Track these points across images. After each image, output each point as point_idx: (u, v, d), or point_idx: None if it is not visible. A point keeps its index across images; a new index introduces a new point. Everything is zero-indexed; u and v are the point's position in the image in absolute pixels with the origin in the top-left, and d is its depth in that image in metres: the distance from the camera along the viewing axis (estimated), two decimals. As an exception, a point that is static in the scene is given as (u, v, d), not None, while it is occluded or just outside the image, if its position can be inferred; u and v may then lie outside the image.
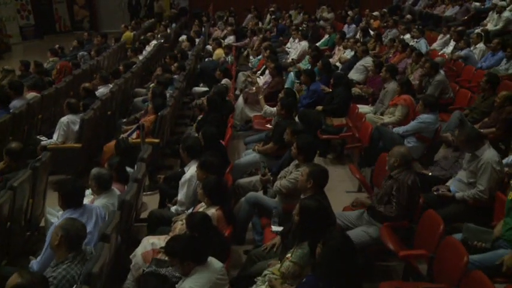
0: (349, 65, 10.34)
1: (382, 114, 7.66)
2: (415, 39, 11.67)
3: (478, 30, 12.61)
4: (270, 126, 7.90)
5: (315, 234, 3.44)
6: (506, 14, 12.65)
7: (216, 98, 7.00)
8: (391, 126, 7.13)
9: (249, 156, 6.54)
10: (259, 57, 11.57)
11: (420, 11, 17.23)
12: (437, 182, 5.19)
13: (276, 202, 5.05)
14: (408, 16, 15.55)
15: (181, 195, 4.96)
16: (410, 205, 4.38)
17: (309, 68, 10.26)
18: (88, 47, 13.79)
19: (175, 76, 9.35)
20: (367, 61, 9.81)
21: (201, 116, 8.30)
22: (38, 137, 7.29)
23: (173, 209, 5.06)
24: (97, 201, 4.58)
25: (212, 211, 4.24)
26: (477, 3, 15.51)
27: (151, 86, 10.26)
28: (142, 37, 13.50)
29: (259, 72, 10.61)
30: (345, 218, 4.74)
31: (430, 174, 5.57)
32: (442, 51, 11.58)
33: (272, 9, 19.36)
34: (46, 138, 7.24)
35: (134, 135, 6.92)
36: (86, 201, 4.59)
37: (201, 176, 4.60)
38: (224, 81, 9.16)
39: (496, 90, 7.03)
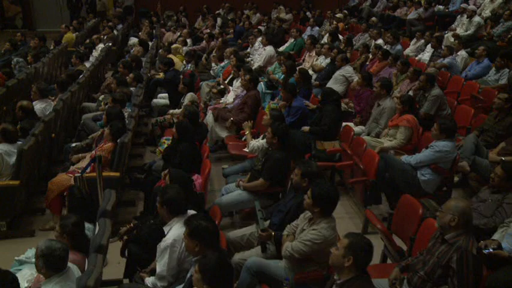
0: (326, 74, 9.31)
1: (377, 135, 6.65)
2: (390, 45, 10.77)
3: (447, 34, 11.94)
4: (247, 151, 6.76)
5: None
6: (477, 19, 12.02)
7: (187, 125, 5.76)
8: (393, 151, 6.15)
9: (233, 194, 5.35)
10: (223, 64, 10.36)
11: (381, 14, 16.44)
12: (478, 233, 4.17)
13: (285, 269, 3.89)
14: (373, 19, 14.72)
15: (161, 267, 3.71)
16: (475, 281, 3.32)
17: (280, 78, 9.17)
18: (22, 49, 12.12)
19: (132, 89, 8.01)
20: (348, 71, 8.81)
21: (164, 139, 7.07)
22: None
23: (149, 282, 3.80)
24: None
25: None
26: (440, 7, 14.91)
27: (100, 98, 8.90)
28: (87, 40, 11.94)
29: (222, 83, 9.38)
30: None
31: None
32: (417, 58, 10.78)
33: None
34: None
35: (88, 170, 5.58)
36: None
37: (192, 247, 3.38)
38: (189, 96, 7.91)
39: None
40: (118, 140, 5.85)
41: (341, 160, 6.35)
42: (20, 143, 5.77)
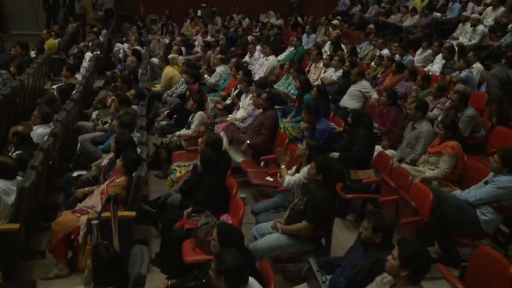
0: (338, 88, 8.71)
1: (413, 162, 6.06)
2: (399, 56, 10.23)
3: (449, 43, 11.46)
4: (271, 180, 6.11)
5: None
6: (481, 27, 11.60)
7: (212, 156, 5.07)
8: (436, 182, 5.57)
9: (270, 238, 4.68)
10: (224, 76, 9.66)
11: (375, 20, 15.93)
12: None
13: None
14: (371, 26, 14.19)
15: None
16: None
17: (290, 91, 8.53)
18: (1, 57, 11.18)
19: (134, 107, 7.26)
20: (365, 86, 8.22)
21: (175, 166, 6.35)
22: None
23: None
24: None
25: None
26: (438, 14, 14.47)
27: (94, 115, 8.13)
28: (75, 49, 11.06)
29: (230, 98, 8.70)
30: None
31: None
32: (426, 69, 10.26)
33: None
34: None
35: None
36: None
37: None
38: (199, 116, 7.19)
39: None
40: (133, 174, 5.12)
41: (378, 191, 5.74)
42: (19, 178, 5.00)
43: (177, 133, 7.29)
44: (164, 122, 8.26)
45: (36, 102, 9.31)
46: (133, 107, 7.22)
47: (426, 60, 10.85)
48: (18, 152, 5.56)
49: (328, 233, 4.73)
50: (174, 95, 9.12)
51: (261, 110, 7.31)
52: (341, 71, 9.15)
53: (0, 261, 4.77)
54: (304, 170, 5.03)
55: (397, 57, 10.22)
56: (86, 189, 5.48)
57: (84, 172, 6.05)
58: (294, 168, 5.34)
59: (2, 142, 7.94)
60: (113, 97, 8.67)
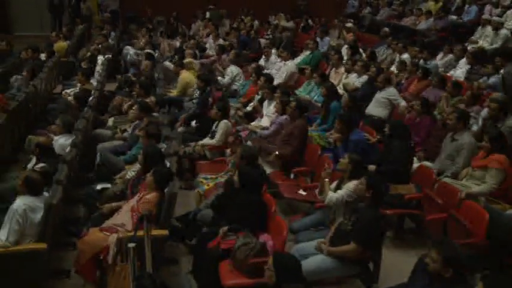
0: (362, 95, 8.40)
1: (454, 176, 5.76)
2: (424, 61, 9.94)
3: (471, 47, 11.18)
4: (304, 194, 5.81)
5: None
6: (504, 31, 11.32)
7: (250, 171, 4.77)
8: (483, 198, 5.27)
9: (314, 260, 4.37)
10: (243, 82, 9.37)
11: (388, 23, 15.64)
12: None
13: None
14: (385, 29, 13.89)
15: None
16: None
17: (317, 100, 8.23)
18: (9, 61, 10.87)
19: (155, 114, 6.96)
20: (392, 93, 7.92)
21: (202, 178, 6.05)
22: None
23: None
24: None
25: None
26: (453, 17, 14.17)
27: (111, 122, 7.82)
28: (88, 53, 10.71)
29: (251, 104, 8.40)
30: None
31: None
32: (449, 75, 9.97)
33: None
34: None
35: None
36: None
37: None
38: (223, 125, 6.89)
39: None
40: (165, 190, 4.82)
41: (419, 207, 5.45)
42: (45, 194, 4.69)
43: (200, 142, 6.99)
44: (182, 129, 7.95)
45: (49, 108, 9.03)
46: (154, 114, 6.92)
47: (448, 65, 10.56)
48: (41, 164, 5.25)
49: (377, 256, 4.43)
50: (193, 100, 8.81)
51: (284, 117, 7.03)
52: (365, 76, 8.84)
53: (25, 282, 4.49)
54: (349, 186, 4.74)
55: (420, 62, 9.92)
56: (113, 204, 5.17)
57: (107, 185, 5.74)
58: (334, 183, 5.03)
59: (16, 149, 7.67)
60: (129, 103, 8.42)
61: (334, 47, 12.80)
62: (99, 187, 5.68)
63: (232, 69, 9.59)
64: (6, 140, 7.01)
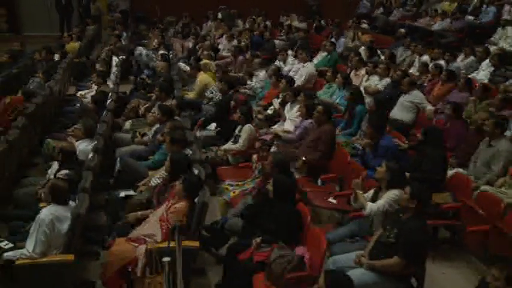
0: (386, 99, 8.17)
1: (490, 183, 5.55)
2: (446, 63, 9.71)
3: (493, 49, 10.91)
4: (334, 202, 5.61)
5: None
6: (526, 32, 11.11)
7: (286, 181, 4.57)
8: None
9: (353, 275, 4.11)
10: (261, 84, 9.17)
11: (402, 24, 15.40)
12: None
13: None
14: (401, 30, 13.68)
15: None
16: None
17: (340, 103, 8.02)
18: (22, 61, 10.69)
19: (178, 118, 6.77)
20: (418, 96, 7.70)
21: (227, 184, 5.86)
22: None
23: None
24: None
25: None
26: (470, 17, 13.92)
27: (128, 125, 7.64)
28: (104, 53, 10.52)
29: (271, 107, 8.20)
30: None
31: None
32: (470, 77, 9.73)
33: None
34: (7, 243, 4.48)
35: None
36: None
37: None
38: (247, 129, 6.68)
39: None
40: (195, 199, 4.63)
41: (456, 217, 5.24)
42: (71, 203, 4.50)
43: (223, 147, 6.79)
44: (199, 132, 7.74)
45: (64, 110, 8.86)
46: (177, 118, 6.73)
47: (469, 67, 10.32)
48: (65, 171, 5.06)
49: (421, 271, 4.22)
50: (211, 103, 8.63)
51: (309, 121, 6.83)
52: (388, 79, 8.64)
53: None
54: (389, 195, 4.53)
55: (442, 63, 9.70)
56: (139, 213, 4.98)
57: (130, 192, 5.55)
58: (370, 192, 4.82)
59: (33, 153, 7.49)
60: (146, 105, 8.24)
61: (351, 48, 12.62)
62: (122, 194, 5.49)
63: (264, 74, 9.34)
64: (24, 144, 6.83)
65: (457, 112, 6.55)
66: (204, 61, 9.84)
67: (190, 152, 5.64)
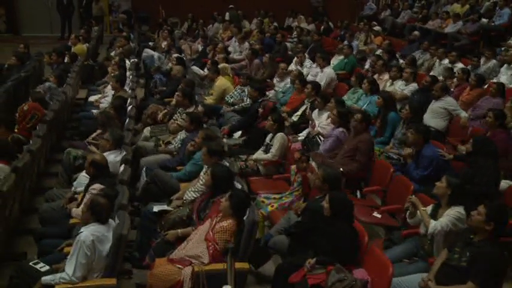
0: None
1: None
2: (472, 67, 9.45)
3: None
4: (379, 216, 5.31)
5: None
6: (545, 34, 10.89)
7: (343, 198, 4.28)
8: None
9: None
10: (282, 88, 8.85)
11: (412, 26, 15.13)
12: None
13: None
14: (415, 32, 13.42)
15: None
16: None
17: (368, 110, 7.69)
18: (30, 64, 10.28)
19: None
20: (451, 103, 7.43)
21: (263, 197, 5.56)
22: (31, 264, 4.15)
23: None
24: None
25: None
26: (484, 20, 13.69)
27: (147, 132, 7.31)
28: (115, 57, 10.12)
29: (297, 114, 7.88)
30: None
31: None
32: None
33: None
34: (44, 265, 4.14)
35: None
36: None
37: None
38: (280, 137, 6.37)
39: None
40: (245, 218, 4.31)
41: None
42: (111, 222, 4.17)
43: (254, 157, 6.48)
44: (226, 141, 7.40)
45: (79, 116, 8.52)
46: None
47: (490, 71, 10.06)
48: (98, 185, 4.72)
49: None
50: (231, 108, 8.31)
51: (341, 130, 6.54)
52: (415, 84, 8.36)
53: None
54: (453, 213, 4.24)
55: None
56: (179, 231, 4.66)
57: (164, 206, 5.22)
58: (428, 208, 4.52)
59: (48, 162, 7.18)
60: (164, 111, 7.92)
61: (366, 51, 12.35)
62: (155, 209, 5.15)
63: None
64: (42, 153, 6.49)
65: (500, 120, 6.26)
66: (223, 65, 9.50)
67: (227, 163, 5.31)
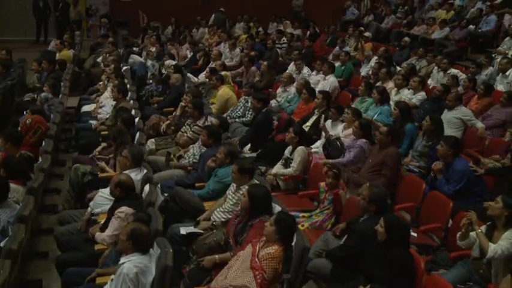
0: (424, 114, 7.71)
1: None
2: (472, 75, 9.38)
3: (499, 59, 10.64)
4: (415, 235, 5.08)
5: None
6: (536, 41, 10.95)
7: (400, 222, 4.06)
8: None
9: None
10: (288, 97, 8.60)
11: (398, 32, 15.07)
12: None
13: None
14: (406, 38, 13.33)
15: None
16: None
17: (379, 120, 7.51)
18: (15, 72, 9.73)
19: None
20: (466, 113, 7.30)
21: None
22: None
23: None
24: None
25: None
26: (472, 26, 13.73)
27: (151, 145, 6.96)
28: (110, 64, 9.60)
29: (307, 124, 7.62)
30: None
31: None
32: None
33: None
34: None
35: None
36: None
37: None
38: (301, 151, 6.10)
39: None
40: (292, 243, 4.02)
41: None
42: (151, 251, 3.82)
43: (273, 171, 6.18)
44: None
45: (71, 126, 8.10)
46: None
47: (490, 79, 10.01)
48: (127, 209, 4.36)
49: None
50: (237, 120, 8.00)
51: (364, 141, 6.32)
52: (423, 93, 8.22)
53: None
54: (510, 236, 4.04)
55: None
56: (217, 257, 4.34)
57: (191, 228, 4.89)
58: (481, 228, 4.32)
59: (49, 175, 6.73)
60: (167, 122, 7.59)
61: (356, 57, 12.20)
62: (183, 231, 4.81)
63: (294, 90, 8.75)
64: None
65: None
66: (224, 73, 9.17)
67: (257, 181, 5.00)
